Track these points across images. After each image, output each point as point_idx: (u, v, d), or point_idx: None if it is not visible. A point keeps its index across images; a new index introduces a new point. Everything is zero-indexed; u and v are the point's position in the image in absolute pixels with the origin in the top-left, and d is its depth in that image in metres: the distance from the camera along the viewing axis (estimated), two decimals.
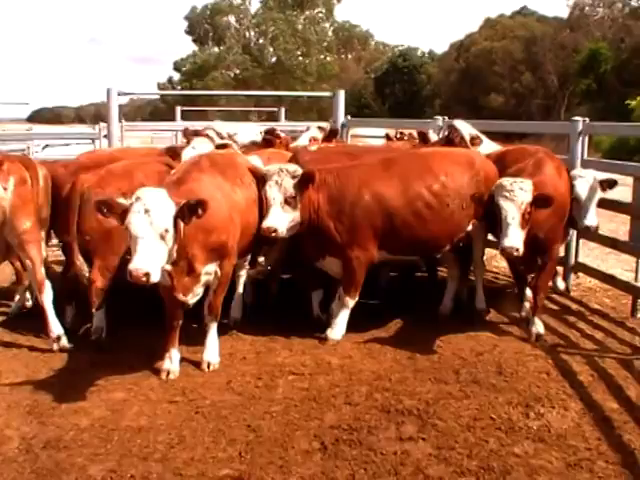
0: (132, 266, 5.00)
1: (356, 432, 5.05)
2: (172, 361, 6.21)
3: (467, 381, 5.95)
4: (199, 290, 6.16)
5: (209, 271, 6.09)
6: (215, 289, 6.31)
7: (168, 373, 6.14)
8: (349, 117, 12.82)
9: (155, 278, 5.08)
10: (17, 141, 18.53)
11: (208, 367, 6.30)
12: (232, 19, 69.21)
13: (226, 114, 29.33)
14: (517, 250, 6.21)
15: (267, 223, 6.43)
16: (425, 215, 6.93)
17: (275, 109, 22.15)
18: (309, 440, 4.96)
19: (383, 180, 6.93)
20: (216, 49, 69.57)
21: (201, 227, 5.79)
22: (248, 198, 6.66)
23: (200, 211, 5.38)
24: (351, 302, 7.01)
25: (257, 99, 36.49)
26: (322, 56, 63.08)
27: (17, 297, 7.95)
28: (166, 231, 5.21)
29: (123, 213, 5.24)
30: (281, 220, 6.47)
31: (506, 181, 6.46)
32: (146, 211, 5.14)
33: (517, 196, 6.31)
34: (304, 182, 6.57)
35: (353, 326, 7.13)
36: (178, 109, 20.80)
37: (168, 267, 5.59)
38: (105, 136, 12.40)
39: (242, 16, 68.54)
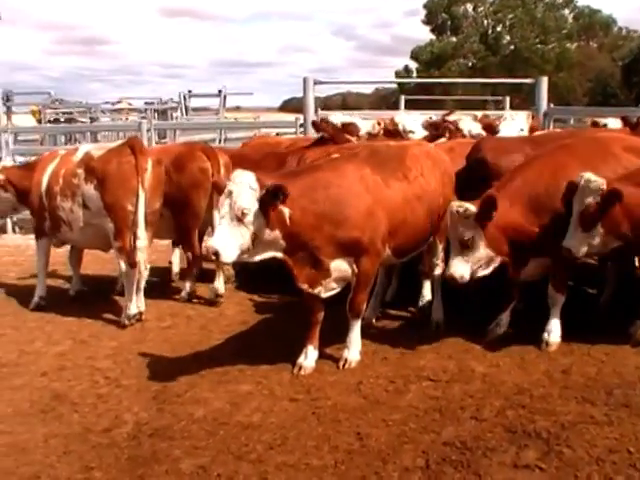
0: (206, 243, 5.36)
1: (469, 452, 4.49)
2: (307, 357, 6.01)
3: (617, 404, 5.07)
4: (332, 285, 5.88)
5: (342, 266, 5.80)
6: (354, 287, 5.98)
7: (300, 368, 5.94)
8: (552, 105, 11.95)
9: (226, 258, 5.21)
10: (245, 129, 19.88)
11: (344, 365, 6.00)
12: (469, 7, 68.06)
13: (460, 103, 28.40)
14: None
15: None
16: None
17: (498, 98, 21.71)
18: (415, 456, 4.48)
19: (572, 167, 6.15)
20: (453, 38, 68.79)
21: (328, 219, 5.60)
22: (409, 194, 6.21)
23: (281, 197, 5.20)
24: (562, 299, 6.27)
25: (493, 88, 35.65)
26: (561, 43, 59.92)
27: (187, 284, 8.18)
28: (243, 213, 5.15)
29: None
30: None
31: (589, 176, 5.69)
32: (229, 193, 5.21)
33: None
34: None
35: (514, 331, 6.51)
36: (402, 98, 20.78)
37: (279, 255, 5.56)
38: (301, 125, 12.59)
39: (479, 4, 67.11)
